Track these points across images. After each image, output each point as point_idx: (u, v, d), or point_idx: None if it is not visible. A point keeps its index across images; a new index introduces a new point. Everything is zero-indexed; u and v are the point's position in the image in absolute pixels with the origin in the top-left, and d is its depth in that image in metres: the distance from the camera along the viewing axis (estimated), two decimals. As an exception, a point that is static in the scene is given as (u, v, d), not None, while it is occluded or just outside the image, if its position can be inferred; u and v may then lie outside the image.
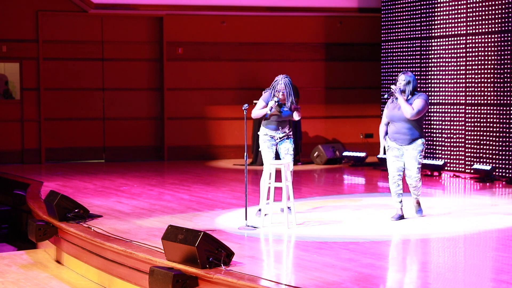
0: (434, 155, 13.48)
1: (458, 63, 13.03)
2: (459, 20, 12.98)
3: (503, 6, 12.18)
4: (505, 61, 12.15)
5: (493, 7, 12.36)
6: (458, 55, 13.03)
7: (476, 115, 12.74)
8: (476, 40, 12.68)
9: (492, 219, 8.92)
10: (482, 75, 12.58)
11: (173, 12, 15.54)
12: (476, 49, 12.68)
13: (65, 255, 8.75)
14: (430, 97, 13.62)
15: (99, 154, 15.78)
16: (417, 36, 13.97)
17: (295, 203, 8.83)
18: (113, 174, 13.41)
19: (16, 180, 12.86)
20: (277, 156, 9.40)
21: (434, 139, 13.55)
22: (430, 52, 13.67)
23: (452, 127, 13.16)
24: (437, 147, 13.46)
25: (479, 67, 12.63)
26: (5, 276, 8.22)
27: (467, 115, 12.89)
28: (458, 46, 13.03)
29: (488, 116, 12.49)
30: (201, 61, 16.02)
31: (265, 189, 8.56)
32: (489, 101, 12.49)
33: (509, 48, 12.09)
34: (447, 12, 13.26)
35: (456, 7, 13.04)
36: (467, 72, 12.86)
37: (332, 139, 16.63)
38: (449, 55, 13.22)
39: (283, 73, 15.77)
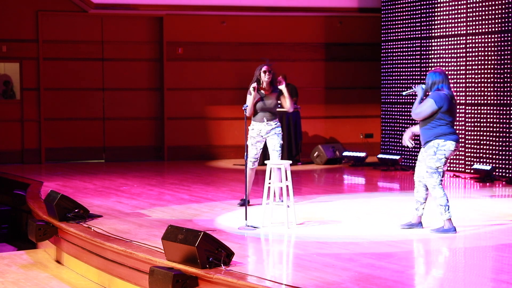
0: (434, 155, 13.47)
1: (458, 63, 13.02)
2: (459, 20, 12.98)
3: (503, 6, 12.19)
4: (505, 61, 12.15)
5: (493, 7, 12.36)
6: (458, 55, 13.03)
7: (476, 115, 12.74)
8: (476, 40, 12.69)
9: (492, 219, 8.92)
10: (482, 75, 12.58)
11: (173, 12, 15.54)
12: (476, 49, 12.68)
13: (65, 255, 8.75)
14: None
15: (99, 154, 15.78)
16: (417, 36, 13.97)
17: (295, 203, 8.82)
18: (113, 174, 13.41)
19: (16, 180, 12.86)
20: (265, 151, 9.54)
21: (434, 139, 13.55)
22: (430, 52, 13.67)
23: (452, 127, 13.16)
24: (437, 147, 13.45)
25: (479, 67, 12.63)
26: (5, 276, 8.22)
27: (467, 115, 12.89)
28: (458, 46, 13.03)
29: (488, 116, 12.50)
30: (201, 61, 16.02)
31: (265, 189, 8.57)
32: (489, 101, 12.49)
33: (509, 48, 12.09)
34: (447, 12, 13.26)
35: (456, 7, 13.05)
36: (467, 72, 12.86)
37: (332, 139, 16.63)
38: (449, 55, 13.22)
39: (282, 73, 15.89)
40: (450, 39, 13.21)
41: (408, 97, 14.15)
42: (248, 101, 9.50)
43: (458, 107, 13.09)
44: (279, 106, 9.80)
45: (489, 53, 12.45)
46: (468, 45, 12.85)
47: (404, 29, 14.29)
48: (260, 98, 9.57)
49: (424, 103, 8.10)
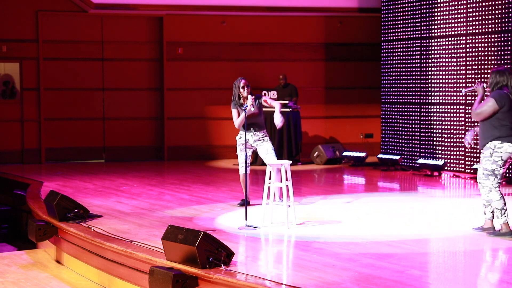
0: (434, 155, 13.48)
1: (458, 63, 13.02)
2: (459, 20, 12.98)
3: (503, 6, 12.19)
4: (505, 61, 12.14)
5: (493, 7, 12.36)
6: (458, 55, 13.03)
7: (476, 115, 12.72)
8: (476, 40, 12.68)
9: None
10: (482, 75, 12.57)
11: (173, 12, 15.54)
12: (476, 49, 12.68)
13: (65, 255, 8.75)
14: (430, 97, 13.63)
15: (99, 154, 15.78)
16: (417, 36, 13.97)
17: (295, 203, 8.82)
18: (113, 174, 13.41)
19: (16, 180, 12.86)
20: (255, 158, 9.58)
21: (434, 139, 13.56)
22: (430, 52, 13.67)
23: (452, 127, 13.16)
24: (437, 147, 13.46)
25: (479, 67, 12.62)
26: (5, 276, 8.22)
27: (467, 115, 12.88)
28: (458, 46, 13.03)
29: (488, 116, 12.48)
30: (201, 61, 16.01)
31: (265, 189, 8.58)
32: (489, 101, 12.47)
33: (509, 48, 12.09)
34: (447, 12, 13.26)
35: (456, 7, 13.04)
36: (467, 72, 12.86)
37: (332, 139, 16.63)
38: (449, 55, 13.22)
39: (282, 73, 15.84)
40: (450, 39, 13.20)
41: (407, 97, 14.16)
42: (234, 116, 9.65)
43: (458, 107, 13.09)
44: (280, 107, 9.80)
45: (489, 53, 12.45)
46: (468, 45, 12.85)
47: (404, 29, 14.29)
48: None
49: (484, 102, 7.82)
